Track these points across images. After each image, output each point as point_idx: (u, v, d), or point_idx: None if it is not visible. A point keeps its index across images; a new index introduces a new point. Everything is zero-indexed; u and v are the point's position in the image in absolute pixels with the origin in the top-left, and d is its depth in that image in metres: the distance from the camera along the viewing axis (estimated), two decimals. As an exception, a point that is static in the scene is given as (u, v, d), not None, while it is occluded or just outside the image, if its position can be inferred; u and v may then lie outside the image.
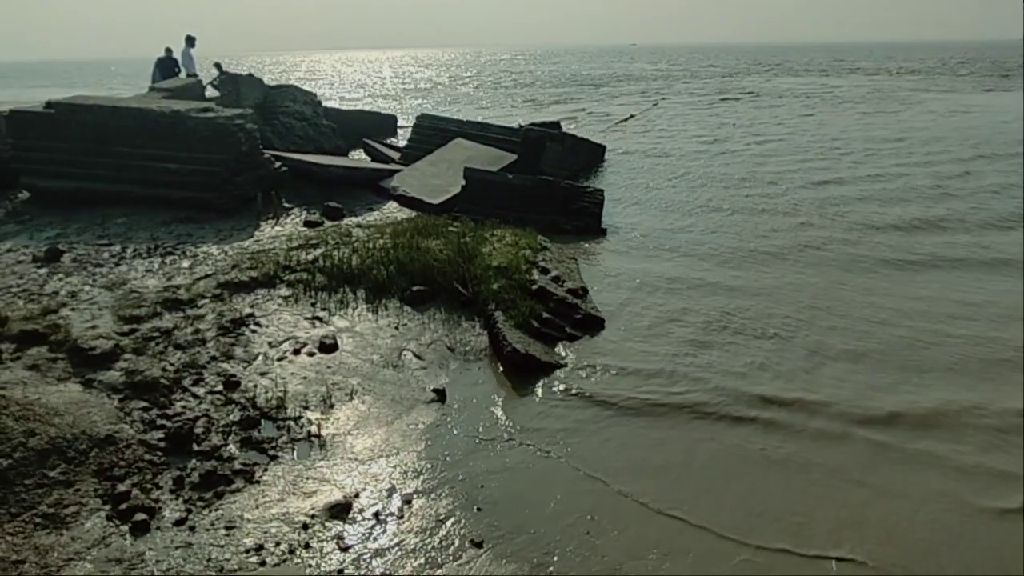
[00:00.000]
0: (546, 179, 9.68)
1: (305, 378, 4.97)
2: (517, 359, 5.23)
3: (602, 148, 14.82)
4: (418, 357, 5.42)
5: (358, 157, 13.85)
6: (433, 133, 13.29)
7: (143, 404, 4.49)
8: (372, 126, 17.14)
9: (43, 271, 6.49)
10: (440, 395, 4.87)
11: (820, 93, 30.97)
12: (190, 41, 14.69)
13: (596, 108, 26.07)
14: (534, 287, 6.19)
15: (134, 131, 8.80)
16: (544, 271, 6.67)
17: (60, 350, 4.90)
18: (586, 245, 8.58)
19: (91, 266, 6.64)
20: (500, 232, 7.71)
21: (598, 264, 7.92)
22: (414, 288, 6.32)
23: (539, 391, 4.99)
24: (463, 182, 9.71)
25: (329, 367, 5.14)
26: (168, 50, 15.29)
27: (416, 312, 6.10)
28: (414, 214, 9.28)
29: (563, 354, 5.51)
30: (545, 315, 5.91)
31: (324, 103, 15.48)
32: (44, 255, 6.81)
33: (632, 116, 23.03)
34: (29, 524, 3.43)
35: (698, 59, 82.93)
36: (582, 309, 6.16)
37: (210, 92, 13.20)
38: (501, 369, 5.31)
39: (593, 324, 6.07)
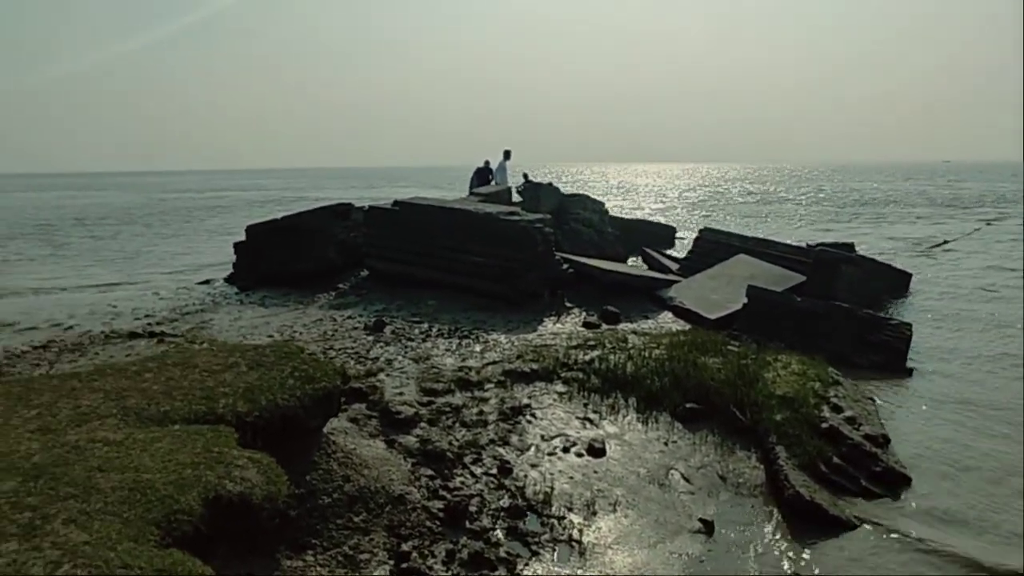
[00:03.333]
0: (840, 305, 8.80)
1: (572, 478, 5.03)
2: (800, 505, 4.65)
3: (907, 276, 13.13)
4: (686, 479, 5.14)
5: (637, 264, 14.24)
6: (714, 247, 13.14)
7: (430, 472, 4.96)
8: (651, 235, 17.61)
9: (370, 338, 7.73)
10: (707, 527, 4.52)
11: None
12: (507, 155, 16.91)
13: (899, 230, 23.38)
14: (824, 425, 5.54)
15: (453, 228, 10.27)
16: (836, 409, 5.95)
17: (375, 409, 5.70)
18: (886, 385, 7.49)
19: (405, 339, 7.74)
20: (785, 358, 7.14)
21: (901, 409, 6.83)
22: (687, 405, 6.10)
23: (824, 548, 4.34)
24: (744, 300, 9.33)
25: (595, 472, 5.14)
26: (486, 162, 17.80)
27: (687, 430, 5.86)
28: (690, 327, 9.11)
29: (857, 511, 4.75)
30: (835, 460, 5.21)
31: (610, 212, 16.42)
32: (372, 325, 8.14)
33: (946, 241, 20.15)
34: (333, 560, 3.93)
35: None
36: (882, 461, 5.30)
37: (516, 198, 14.91)
38: (779, 512, 4.76)
39: (895, 481, 5.18)
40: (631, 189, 56.59)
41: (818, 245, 13.59)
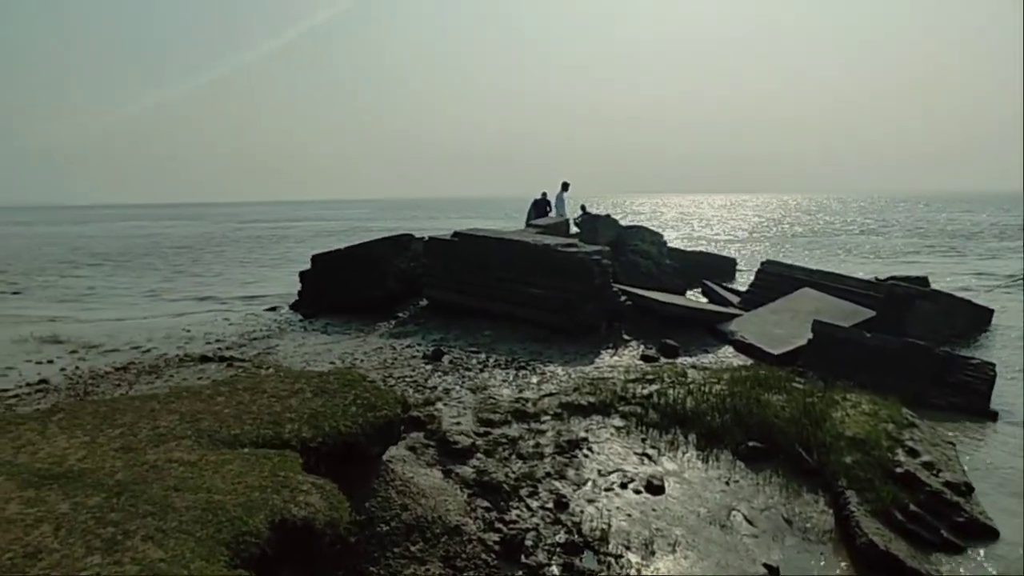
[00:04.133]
0: (915, 343, 8.40)
1: (629, 515, 4.93)
2: (873, 555, 4.41)
3: (989, 312, 12.43)
4: (749, 522, 4.96)
5: (696, 297, 14.00)
6: (777, 280, 12.81)
7: (486, 504, 4.95)
8: (711, 268, 17.32)
9: (428, 367, 7.85)
10: (772, 573, 4.34)
11: None
12: (565, 187, 17.06)
13: (977, 264, 22.20)
14: (899, 470, 5.26)
15: (511, 259, 10.37)
16: (912, 453, 5.64)
17: (432, 438, 5.76)
18: (968, 429, 7.07)
19: (462, 369, 7.81)
20: (854, 397, 6.84)
21: (985, 455, 6.42)
22: (750, 443, 5.91)
23: (901, 603, 4.09)
24: (809, 335, 9.03)
25: (654, 509, 5.02)
26: (543, 193, 17.99)
27: (750, 470, 5.67)
28: (752, 362, 8.87)
29: (939, 566, 4.47)
30: (912, 508, 4.93)
31: (668, 243, 16.26)
32: (431, 354, 8.27)
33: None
34: (390, 589, 3.96)
35: None
36: (965, 511, 4.99)
37: (574, 229, 14.98)
38: (849, 561, 4.53)
39: (980, 533, 4.86)
40: (690, 220, 55.86)
41: (889, 279, 13.08)
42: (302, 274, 12.96)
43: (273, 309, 13.17)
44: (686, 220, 55.68)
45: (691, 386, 7.12)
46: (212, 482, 3.26)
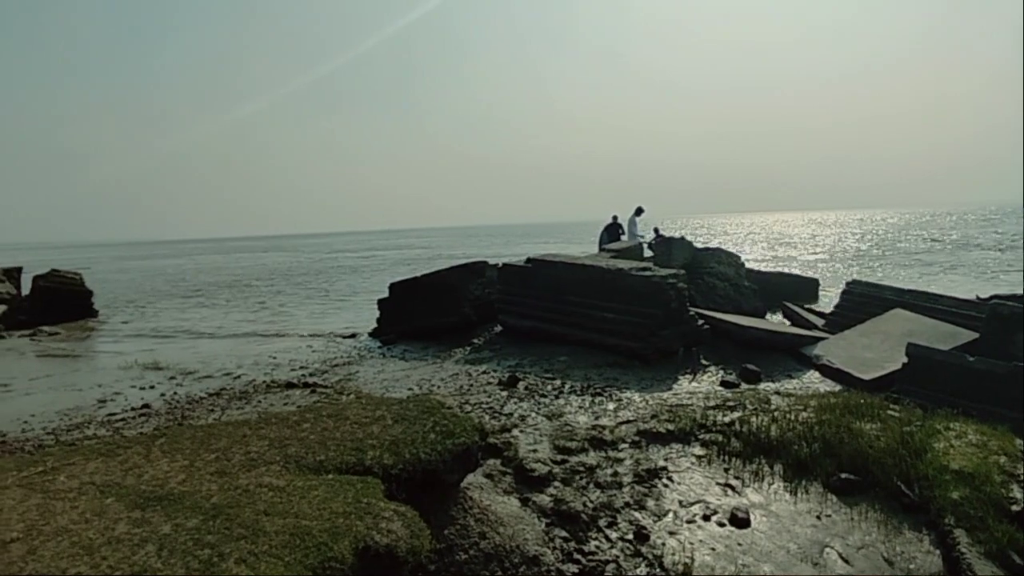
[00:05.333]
0: (1026, 367, 7.74)
1: (713, 549, 4.74)
2: (988, 601, 4.06)
3: (1111, 334, 11.30)
4: (845, 560, 4.66)
5: (777, 320, 13.47)
6: (865, 301, 12.15)
7: (564, 534, 4.89)
8: (792, 289, 16.66)
9: (504, 393, 7.88)
10: (873, 617, 4.06)
11: None
12: (639, 211, 16.92)
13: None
14: (1015, 508, 4.83)
15: (583, 284, 10.33)
16: (1028, 489, 5.17)
17: (509, 465, 5.76)
18: (1093, 463, 6.41)
19: (538, 395, 7.80)
20: (958, 426, 6.36)
21: (1116, 493, 5.79)
22: (842, 475, 5.58)
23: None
24: (903, 359, 8.48)
25: (739, 544, 4.81)
26: (614, 217, 17.89)
27: (843, 504, 5.34)
28: (840, 388, 8.42)
29: (1064, 614, 4.06)
30: (1031, 550, 4.50)
31: (746, 264, 15.77)
32: (506, 380, 8.30)
33: None
34: (469, 618, 3.95)
35: None
36: (1095, 555, 4.51)
37: (647, 252, 14.79)
38: (961, 607, 4.17)
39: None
40: (769, 240, 54.00)
41: (991, 297, 12.16)
42: (380, 302, 13.35)
43: (353, 336, 13.61)
44: (764, 240, 53.89)
45: (775, 413, 6.82)
46: (299, 507, 3.38)
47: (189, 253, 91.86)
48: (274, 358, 11.55)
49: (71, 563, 2.83)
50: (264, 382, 9.29)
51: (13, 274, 23.97)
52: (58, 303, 19.53)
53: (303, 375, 9.73)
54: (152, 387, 9.53)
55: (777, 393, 7.89)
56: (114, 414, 8.00)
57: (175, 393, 9.01)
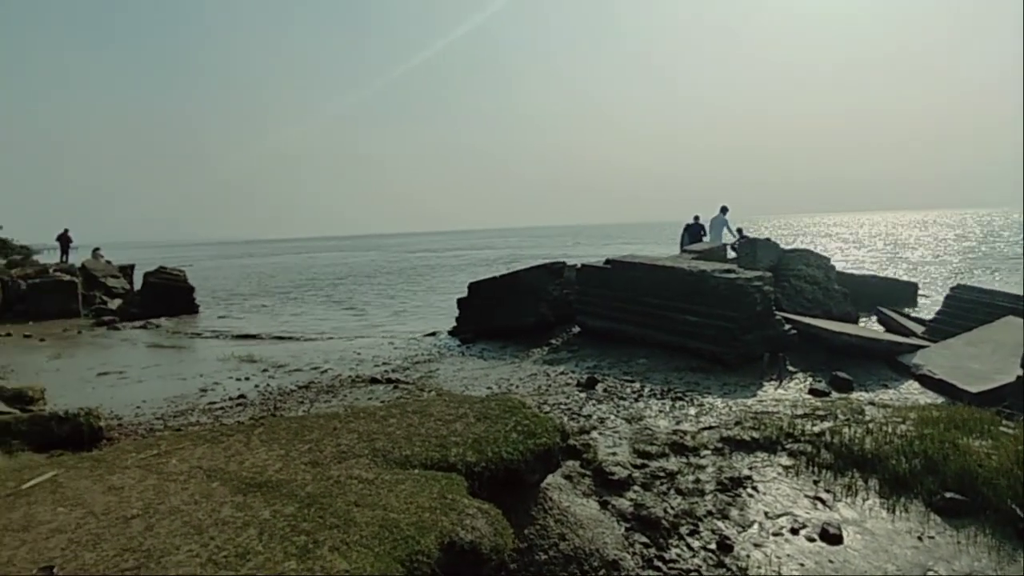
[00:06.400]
0: None
1: (802, 565, 4.55)
2: (1117, 640, 3.70)
3: None
4: (949, 585, 4.37)
5: (870, 326, 12.76)
6: (972, 307, 11.34)
7: (644, 539, 4.82)
8: (887, 293, 15.75)
9: (582, 395, 7.85)
10: (981, 648, 3.78)
11: None
12: (723, 210, 16.43)
13: None
14: None
15: (664, 285, 10.14)
16: None
17: (588, 468, 5.73)
18: None
19: (617, 398, 7.72)
20: (1082, 447, 5.82)
21: None
22: (947, 494, 5.23)
23: None
24: (1018, 371, 7.86)
25: (831, 561, 4.60)
26: (696, 217, 17.44)
27: (948, 525, 5.00)
28: (943, 400, 7.88)
29: None
30: None
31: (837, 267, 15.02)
32: (584, 382, 8.26)
33: None
34: (549, 619, 3.97)
35: None
36: None
37: (730, 254, 14.35)
38: (1084, 644, 3.82)
39: None
40: (863, 241, 51.13)
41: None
42: (459, 301, 13.59)
43: (432, 334, 13.91)
44: (860, 241, 51.06)
45: (870, 425, 6.47)
46: (387, 500, 3.50)
47: (278, 252, 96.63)
48: (358, 354, 11.98)
49: (184, 540, 3.05)
50: (349, 377, 9.65)
51: (127, 271, 26.08)
52: (165, 298, 21.04)
53: (386, 371, 10.04)
54: (247, 378, 10.09)
55: (872, 404, 7.48)
56: (214, 403, 8.53)
57: (267, 385, 9.51)
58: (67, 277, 21.62)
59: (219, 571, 2.82)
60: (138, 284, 23.76)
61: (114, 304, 21.83)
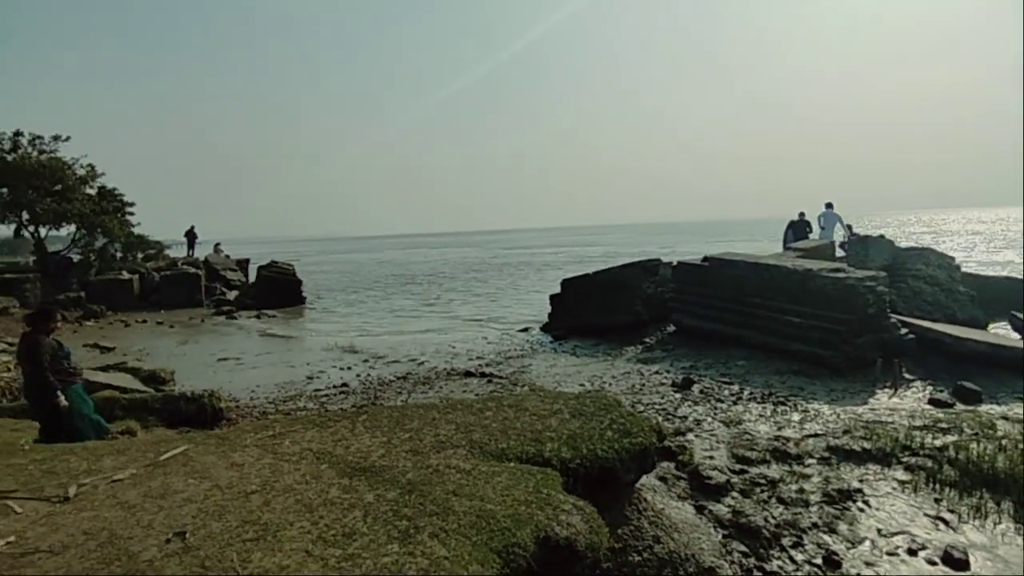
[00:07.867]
0: None
1: (921, 588, 4.24)
2: None
3: None
4: (1095, 622, 3.93)
5: (1002, 332, 11.63)
6: None
7: (743, 548, 4.65)
8: (1022, 296, 14.26)
9: (677, 396, 7.67)
10: None
11: None
12: (829, 206, 15.52)
13: None
14: None
15: (767, 285, 9.71)
16: None
17: (683, 470, 5.60)
18: None
19: (714, 400, 7.49)
20: None
21: None
22: (1093, 522, 4.71)
23: None
24: None
25: (954, 586, 4.25)
26: (801, 214, 16.55)
27: (1095, 557, 4.50)
28: (1091, 417, 7.07)
29: None
30: None
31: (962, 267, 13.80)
32: (680, 382, 8.07)
33: None
34: (642, 621, 3.91)
35: None
36: None
37: (839, 252, 13.53)
38: None
39: None
40: (992, 239, 46.64)
41: None
42: (553, 297, 13.61)
43: (525, 330, 14.02)
44: (988, 239, 46.61)
45: (1003, 441, 5.92)
46: (484, 491, 3.57)
47: (380, 248, 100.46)
48: (453, 347, 12.27)
49: (296, 517, 3.25)
50: (444, 369, 9.91)
51: (243, 265, 28.04)
52: (276, 290, 22.45)
53: (479, 365, 10.23)
54: (349, 368, 10.59)
55: (1004, 418, 6.83)
56: (319, 390, 9.01)
57: (368, 375, 9.93)
58: (193, 270, 23.53)
59: (328, 548, 2.99)
60: (251, 277, 25.49)
61: (232, 295, 23.55)
